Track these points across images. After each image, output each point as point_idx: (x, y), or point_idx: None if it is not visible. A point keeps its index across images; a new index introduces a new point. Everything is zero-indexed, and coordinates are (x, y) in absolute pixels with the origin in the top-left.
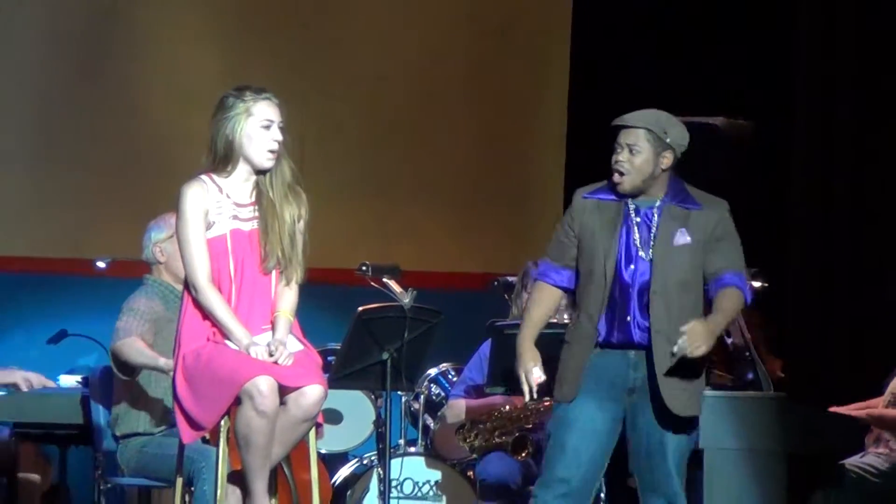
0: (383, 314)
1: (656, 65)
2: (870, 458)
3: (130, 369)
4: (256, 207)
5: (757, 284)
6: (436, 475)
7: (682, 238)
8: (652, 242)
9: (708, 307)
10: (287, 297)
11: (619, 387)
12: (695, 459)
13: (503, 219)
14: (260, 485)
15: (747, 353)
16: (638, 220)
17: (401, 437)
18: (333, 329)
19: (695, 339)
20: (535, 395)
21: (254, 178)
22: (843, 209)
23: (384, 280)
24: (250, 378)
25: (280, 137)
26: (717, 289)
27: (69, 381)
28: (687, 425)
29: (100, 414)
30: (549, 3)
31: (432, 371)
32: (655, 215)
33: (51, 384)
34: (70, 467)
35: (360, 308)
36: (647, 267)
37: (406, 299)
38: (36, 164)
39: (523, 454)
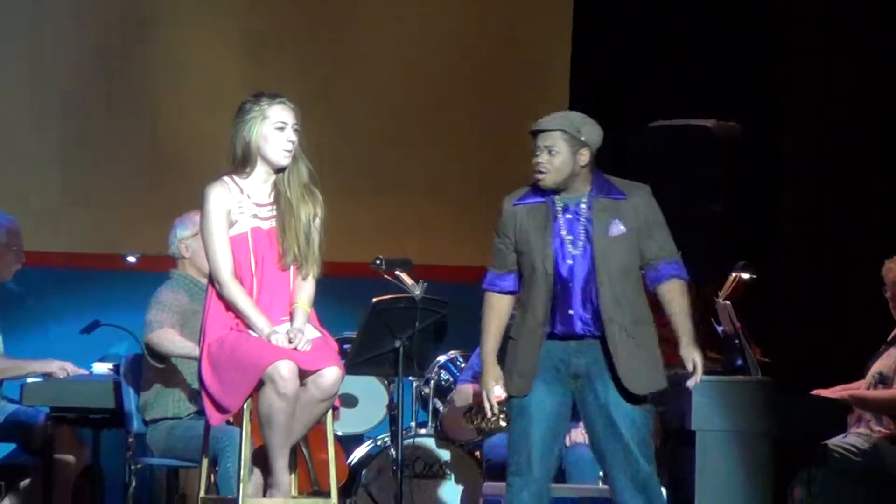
0: (396, 305)
1: (654, 69)
2: (851, 438)
3: (162, 357)
4: (275, 207)
5: (746, 276)
6: (445, 455)
7: (617, 228)
8: (584, 236)
9: (649, 294)
10: (304, 290)
11: (563, 372)
12: (685, 439)
13: None
14: (281, 461)
15: (736, 341)
16: (568, 216)
17: (412, 420)
18: (349, 319)
19: (701, 362)
20: (495, 411)
21: (272, 178)
22: (830, 207)
23: (397, 273)
24: (272, 363)
25: (294, 138)
26: (655, 280)
27: (102, 368)
28: (636, 400)
29: (131, 399)
30: (550, 11)
31: (441, 358)
32: (585, 209)
33: (84, 372)
34: (103, 449)
35: (375, 299)
36: (582, 260)
37: (417, 291)
38: (70, 167)
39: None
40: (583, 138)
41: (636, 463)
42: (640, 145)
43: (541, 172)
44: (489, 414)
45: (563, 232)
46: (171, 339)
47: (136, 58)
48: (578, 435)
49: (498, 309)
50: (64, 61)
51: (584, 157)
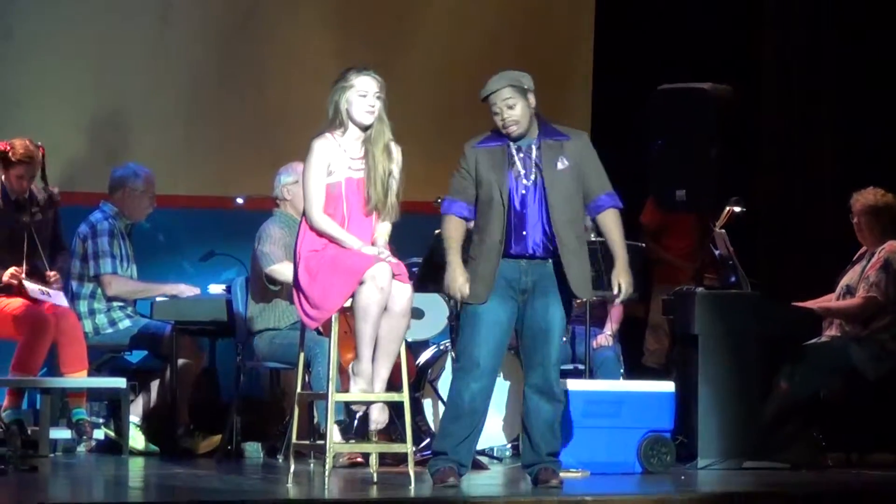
0: None
1: (663, 41)
2: (825, 340)
3: (276, 282)
4: (364, 160)
5: (738, 209)
6: None
7: (563, 164)
8: (536, 170)
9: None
10: (381, 228)
11: (515, 288)
12: (691, 342)
13: None
14: (367, 352)
15: (731, 262)
16: (521, 155)
17: None
18: (417, 246)
19: (626, 285)
20: (462, 303)
21: (362, 136)
22: (801, 149)
23: None
24: (372, 265)
25: (375, 103)
26: (596, 210)
27: (216, 289)
28: (563, 315)
29: (240, 313)
30: (573, 10)
31: None
32: (534, 149)
33: (201, 292)
34: (218, 354)
35: (437, 230)
36: (533, 190)
37: (470, 224)
38: (192, 124)
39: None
40: (526, 87)
41: (550, 370)
42: (652, 105)
43: (512, 125)
44: (459, 308)
45: (518, 167)
46: (287, 271)
47: (247, 34)
48: (602, 339)
49: (458, 228)
50: (188, 37)
51: (532, 101)
